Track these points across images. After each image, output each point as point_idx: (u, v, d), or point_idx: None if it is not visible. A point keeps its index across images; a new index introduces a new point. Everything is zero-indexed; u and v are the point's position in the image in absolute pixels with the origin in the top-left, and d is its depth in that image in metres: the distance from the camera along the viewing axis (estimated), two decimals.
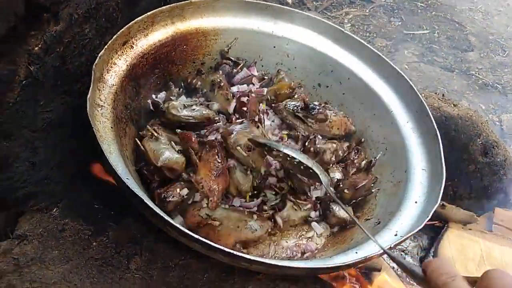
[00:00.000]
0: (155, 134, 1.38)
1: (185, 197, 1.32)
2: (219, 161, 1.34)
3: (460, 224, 2.01)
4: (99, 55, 1.23)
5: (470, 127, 1.87)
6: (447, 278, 0.69)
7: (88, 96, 1.15)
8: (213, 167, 1.33)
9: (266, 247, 1.30)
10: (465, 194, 1.98)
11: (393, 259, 0.87)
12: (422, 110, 1.50)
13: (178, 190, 1.32)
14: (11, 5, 0.87)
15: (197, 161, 1.35)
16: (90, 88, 1.17)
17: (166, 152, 1.35)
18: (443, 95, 2.02)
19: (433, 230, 2.07)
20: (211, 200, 1.29)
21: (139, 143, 1.37)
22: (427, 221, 1.23)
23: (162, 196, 1.28)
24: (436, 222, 2.07)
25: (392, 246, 1.17)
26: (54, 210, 1.31)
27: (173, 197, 1.29)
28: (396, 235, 1.24)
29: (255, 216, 1.30)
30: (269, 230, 1.32)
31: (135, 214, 1.34)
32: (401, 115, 1.55)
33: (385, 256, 1.95)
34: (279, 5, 1.73)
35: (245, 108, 1.49)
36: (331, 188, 1.32)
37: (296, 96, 1.62)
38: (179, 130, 1.41)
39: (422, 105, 1.50)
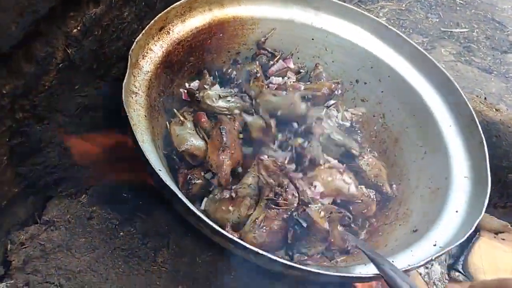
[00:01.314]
0: (181, 119, 1.37)
1: (210, 180, 1.31)
2: (223, 134, 1.30)
3: (493, 233, 1.94)
4: (136, 40, 1.18)
5: None
6: None
7: (124, 82, 1.10)
8: (217, 142, 1.30)
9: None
10: (501, 203, 1.89)
11: None
12: (467, 113, 1.42)
13: (202, 173, 1.31)
14: None
15: (207, 139, 1.33)
16: (126, 74, 1.12)
17: (189, 138, 1.34)
18: (485, 98, 1.93)
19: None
20: (219, 176, 1.25)
21: (168, 125, 1.36)
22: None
23: (188, 178, 1.27)
24: None
25: (433, 259, 1.11)
26: (82, 197, 1.28)
27: (198, 179, 1.28)
28: (435, 245, 1.18)
29: None
30: None
31: (164, 206, 1.31)
32: (444, 118, 1.47)
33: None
34: None
35: None
36: None
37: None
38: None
39: (468, 108, 1.42)
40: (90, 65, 1.07)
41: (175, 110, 1.42)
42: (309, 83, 1.62)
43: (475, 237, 1.97)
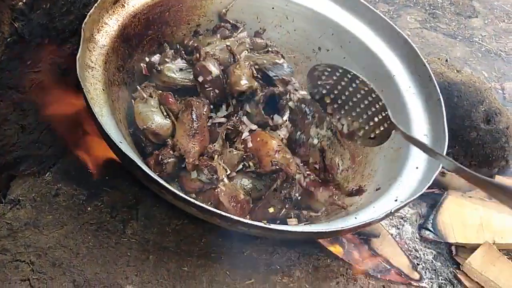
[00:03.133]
0: (145, 96, 1.34)
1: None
2: (194, 120, 1.29)
3: (460, 191, 2.00)
4: (89, 13, 1.17)
5: (473, 93, 1.82)
6: None
7: (78, 56, 1.09)
8: (188, 127, 1.29)
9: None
10: (466, 162, 1.95)
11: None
12: (425, 74, 1.46)
13: (171, 152, 1.29)
14: None
15: (175, 122, 1.32)
16: (80, 48, 1.11)
17: (152, 116, 1.32)
18: (446, 60, 1.96)
19: (433, 198, 2.06)
20: (187, 162, 1.25)
21: (133, 102, 1.34)
22: (428, 188, 1.21)
23: (160, 158, 1.25)
24: (436, 189, 2.05)
25: (392, 211, 1.15)
26: (46, 175, 1.28)
27: (169, 158, 1.26)
28: (396, 200, 1.22)
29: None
30: None
31: (130, 179, 1.32)
32: (404, 80, 1.51)
33: (383, 221, 1.95)
34: None
35: None
36: None
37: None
38: (159, 92, 1.38)
39: (426, 69, 1.45)
40: (41, 40, 1.06)
41: (138, 87, 1.39)
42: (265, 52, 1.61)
43: (443, 196, 2.03)
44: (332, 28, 1.62)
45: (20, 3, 0.95)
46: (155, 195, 1.12)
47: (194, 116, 1.30)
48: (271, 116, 1.41)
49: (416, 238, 2.01)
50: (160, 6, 1.43)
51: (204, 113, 1.36)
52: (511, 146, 1.94)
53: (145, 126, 1.30)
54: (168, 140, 1.31)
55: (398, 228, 2.04)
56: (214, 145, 1.31)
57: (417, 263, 1.62)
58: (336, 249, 1.44)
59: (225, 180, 1.23)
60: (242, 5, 1.61)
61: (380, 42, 1.58)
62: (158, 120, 1.32)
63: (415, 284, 1.50)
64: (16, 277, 1.12)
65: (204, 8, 1.57)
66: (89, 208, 1.28)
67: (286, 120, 1.43)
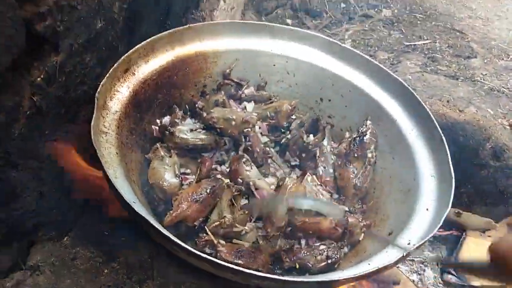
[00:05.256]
0: (161, 153, 1.41)
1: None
2: (208, 192, 1.31)
3: (479, 231, 1.97)
4: (101, 83, 1.25)
5: (478, 131, 1.85)
6: None
7: (92, 123, 1.17)
8: (198, 192, 1.31)
9: None
10: (480, 201, 1.94)
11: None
12: (425, 116, 1.49)
13: None
14: (13, 37, 0.90)
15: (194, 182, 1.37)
16: (93, 115, 1.19)
17: (164, 173, 1.38)
18: (447, 101, 2.01)
19: (452, 240, 2.02)
20: (169, 213, 1.27)
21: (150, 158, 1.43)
22: (440, 227, 1.21)
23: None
24: (454, 231, 2.03)
25: (404, 255, 1.14)
26: (65, 239, 1.32)
27: None
28: (409, 243, 1.21)
29: None
30: None
31: (145, 239, 1.34)
32: (406, 123, 1.54)
33: (403, 267, 1.92)
34: (275, 24, 1.76)
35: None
36: None
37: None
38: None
39: (425, 111, 1.49)
40: (58, 110, 1.14)
41: (158, 145, 1.46)
42: (269, 103, 1.69)
43: (462, 237, 2.00)
44: (332, 79, 1.69)
45: (39, 79, 1.03)
46: (170, 253, 1.14)
47: (209, 190, 1.31)
48: None
49: (439, 283, 1.96)
50: (168, 71, 1.53)
51: (224, 197, 1.36)
52: None
53: (154, 182, 1.37)
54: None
55: (420, 274, 1.99)
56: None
57: None
58: None
59: (221, 242, 1.25)
60: (244, 64, 1.70)
61: (379, 89, 1.64)
62: (167, 178, 1.37)
63: None
64: None
65: (209, 70, 1.66)
66: (106, 270, 1.29)
67: None
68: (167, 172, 1.39)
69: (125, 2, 1.31)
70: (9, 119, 1.00)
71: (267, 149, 1.60)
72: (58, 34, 1.04)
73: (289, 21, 3.07)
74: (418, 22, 3.19)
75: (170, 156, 1.44)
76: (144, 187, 1.40)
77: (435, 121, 1.45)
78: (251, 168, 1.45)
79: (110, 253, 1.33)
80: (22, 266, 1.25)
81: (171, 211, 1.27)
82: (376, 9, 3.29)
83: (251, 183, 1.39)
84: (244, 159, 1.45)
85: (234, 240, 1.30)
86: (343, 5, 3.32)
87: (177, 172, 1.41)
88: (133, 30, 1.41)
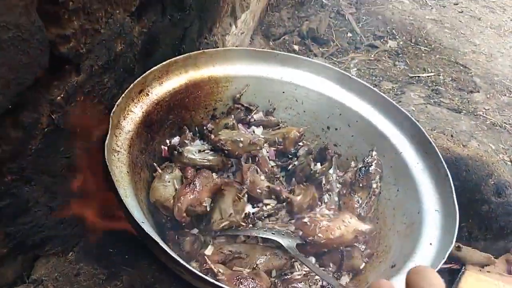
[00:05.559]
0: (159, 171, 1.42)
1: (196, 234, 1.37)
2: (197, 179, 1.37)
3: (478, 266, 1.96)
4: (117, 103, 1.28)
5: (480, 167, 1.87)
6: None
7: (106, 142, 1.19)
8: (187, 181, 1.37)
9: None
10: (481, 235, 1.95)
11: None
12: (431, 151, 1.52)
13: (186, 230, 1.37)
14: (37, 58, 0.93)
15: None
16: (108, 134, 1.21)
17: (164, 190, 1.39)
18: (451, 135, 2.04)
19: (450, 274, 2.02)
20: (175, 206, 1.32)
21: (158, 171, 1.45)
22: (443, 264, 1.22)
23: (176, 237, 1.30)
24: (453, 264, 2.02)
25: None
26: (69, 254, 1.32)
27: (186, 237, 1.33)
28: None
29: None
30: None
31: (150, 258, 1.35)
32: (411, 156, 1.57)
33: None
34: (286, 53, 1.81)
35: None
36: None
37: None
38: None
39: (431, 146, 1.52)
40: (74, 129, 1.16)
41: (154, 164, 1.48)
42: (277, 129, 1.72)
43: (461, 272, 1.99)
44: (340, 108, 1.72)
45: (59, 98, 1.06)
46: (174, 275, 1.14)
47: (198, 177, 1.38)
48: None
49: None
50: (181, 94, 1.56)
51: (213, 181, 1.43)
52: None
53: (155, 200, 1.38)
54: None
55: None
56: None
57: None
58: None
59: (221, 270, 1.26)
60: (254, 90, 1.74)
61: (386, 121, 1.67)
62: (166, 194, 1.38)
63: None
64: None
65: (220, 94, 1.70)
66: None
67: None
68: (166, 188, 1.41)
69: (145, 27, 1.34)
70: (27, 136, 1.02)
71: (275, 169, 1.63)
72: (80, 56, 1.07)
73: (296, 47, 3.13)
74: (423, 54, 3.26)
75: (171, 172, 1.46)
76: (150, 207, 1.42)
77: (441, 156, 1.47)
78: (263, 178, 1.49)
79: (113, 271, 1.33)
80: (26, 280, 1.25)
81: (178, 204, 1.31)
82: (382, 40, 3.36)
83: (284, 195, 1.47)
84: (252, 168, 1.49)
85: (234, 268, 1.31)
86: (349, 34, 3.39)
87: (176, 187, 1.42)
88: (150, 53, 1.44)
